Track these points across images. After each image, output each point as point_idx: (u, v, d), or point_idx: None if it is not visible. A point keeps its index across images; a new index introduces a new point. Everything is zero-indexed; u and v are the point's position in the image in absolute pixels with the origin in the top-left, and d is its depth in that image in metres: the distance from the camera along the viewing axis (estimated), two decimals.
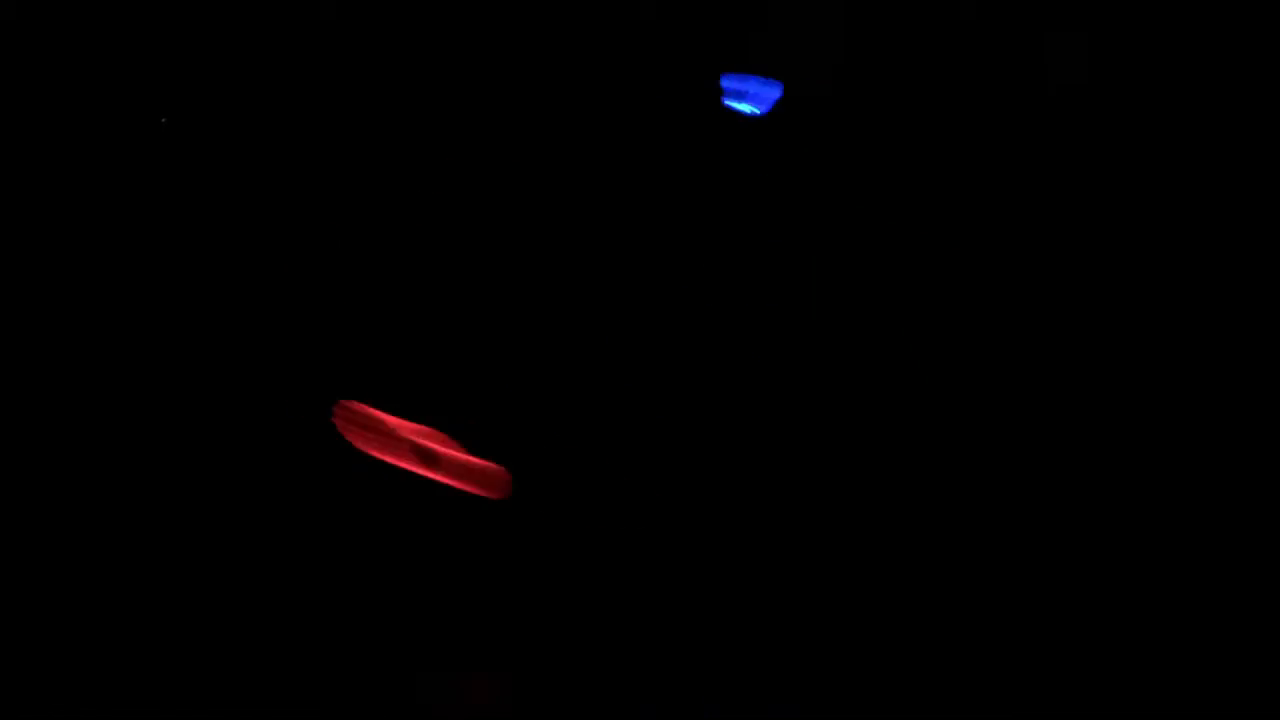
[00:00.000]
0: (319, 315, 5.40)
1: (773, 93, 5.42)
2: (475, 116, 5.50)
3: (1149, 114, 5.46)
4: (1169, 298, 5.39)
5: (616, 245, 5.48)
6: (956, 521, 5.18)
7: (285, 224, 5.45)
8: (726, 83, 5.43)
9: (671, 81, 5.48)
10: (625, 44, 5.49)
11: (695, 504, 5.11)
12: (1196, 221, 5.41)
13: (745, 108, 5.40)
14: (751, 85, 5.44)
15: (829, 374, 5.40)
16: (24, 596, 4.19)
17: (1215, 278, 5.37)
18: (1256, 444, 5.21)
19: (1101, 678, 3.52)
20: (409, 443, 4.96)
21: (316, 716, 3.51)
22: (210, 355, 5.35)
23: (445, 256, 5.46)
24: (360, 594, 4.11)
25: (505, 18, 5.51)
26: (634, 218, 5.49)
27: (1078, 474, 5.22)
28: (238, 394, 5.24)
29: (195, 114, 5.45)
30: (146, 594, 4.11)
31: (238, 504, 4.82)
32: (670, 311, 5.45)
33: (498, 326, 5.41)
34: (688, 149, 5.49)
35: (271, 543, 4.51)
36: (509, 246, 5.48)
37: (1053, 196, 5.45)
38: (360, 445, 4.96)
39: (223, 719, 3.50)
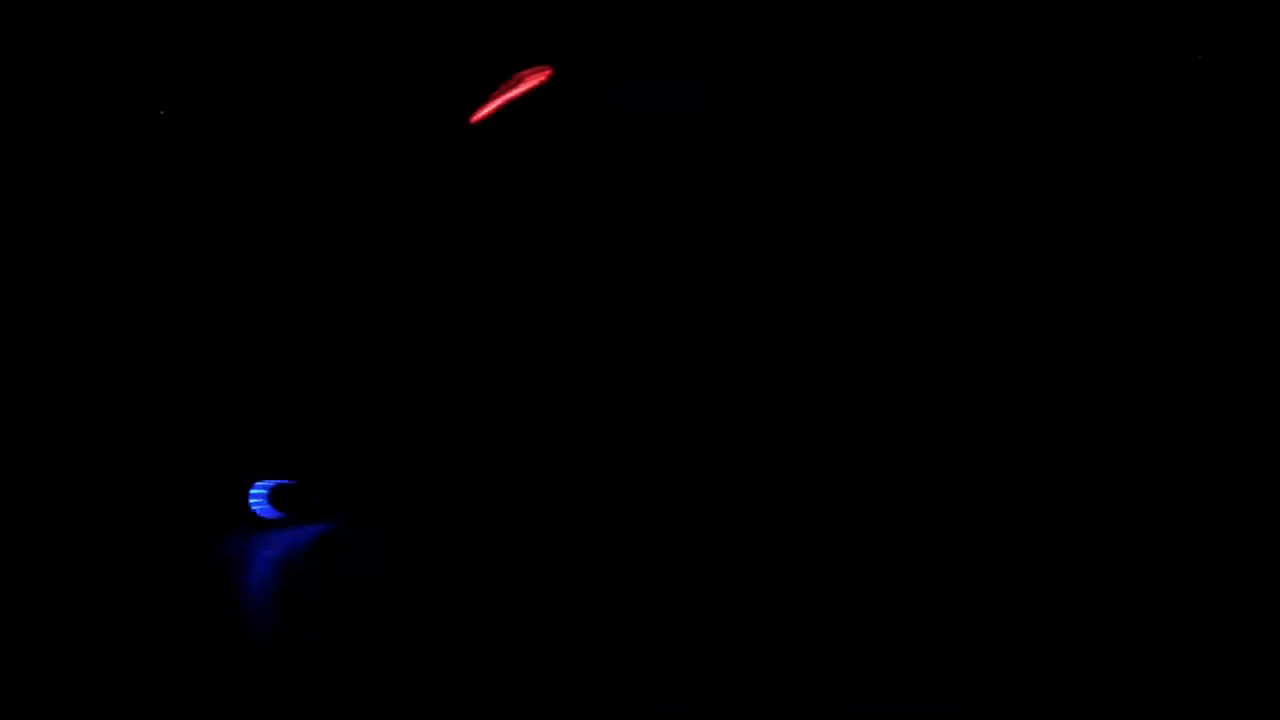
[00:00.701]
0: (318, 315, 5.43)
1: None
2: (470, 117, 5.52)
3: (1150, 115, 5.47)
4: (1171, 298, 5.40)
5: (615, 246, 5.49)
6: (956, 522, 5.19)
7: (283, 222, 5.47)
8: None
9: (670, 80, 5.50)
10: (625, 44, 5.51)
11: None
12: (1197, 222, 5.42)
13: None
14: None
15: (829, 374, 5.42)
16: (32, 595, 4.19)
17: (1216, 278, 5.38)
18: (1256, 444, 5.22)
19: (1102, 675, 3.53)
20: None
21: None
22: (214, 354, 5.38)
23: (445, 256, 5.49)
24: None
25: (505, 18, 5.53)
26: (633, 218, 5.51)
27: (1079, 473, 5.23)
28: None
29: (194, 108, 5.47)
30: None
31: None
32: (669, 311, 5.47)
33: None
34: (687, 149, 5.50)
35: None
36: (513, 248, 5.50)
37: (1053, 197, 5.46)
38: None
39: None
